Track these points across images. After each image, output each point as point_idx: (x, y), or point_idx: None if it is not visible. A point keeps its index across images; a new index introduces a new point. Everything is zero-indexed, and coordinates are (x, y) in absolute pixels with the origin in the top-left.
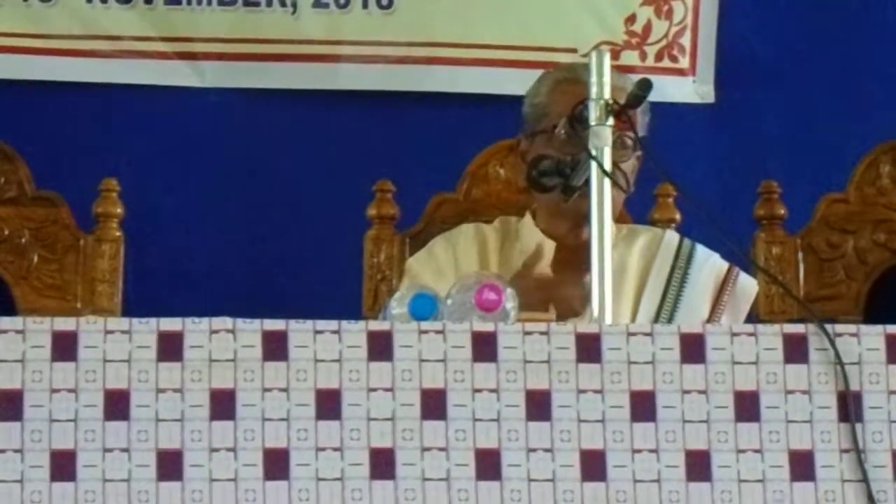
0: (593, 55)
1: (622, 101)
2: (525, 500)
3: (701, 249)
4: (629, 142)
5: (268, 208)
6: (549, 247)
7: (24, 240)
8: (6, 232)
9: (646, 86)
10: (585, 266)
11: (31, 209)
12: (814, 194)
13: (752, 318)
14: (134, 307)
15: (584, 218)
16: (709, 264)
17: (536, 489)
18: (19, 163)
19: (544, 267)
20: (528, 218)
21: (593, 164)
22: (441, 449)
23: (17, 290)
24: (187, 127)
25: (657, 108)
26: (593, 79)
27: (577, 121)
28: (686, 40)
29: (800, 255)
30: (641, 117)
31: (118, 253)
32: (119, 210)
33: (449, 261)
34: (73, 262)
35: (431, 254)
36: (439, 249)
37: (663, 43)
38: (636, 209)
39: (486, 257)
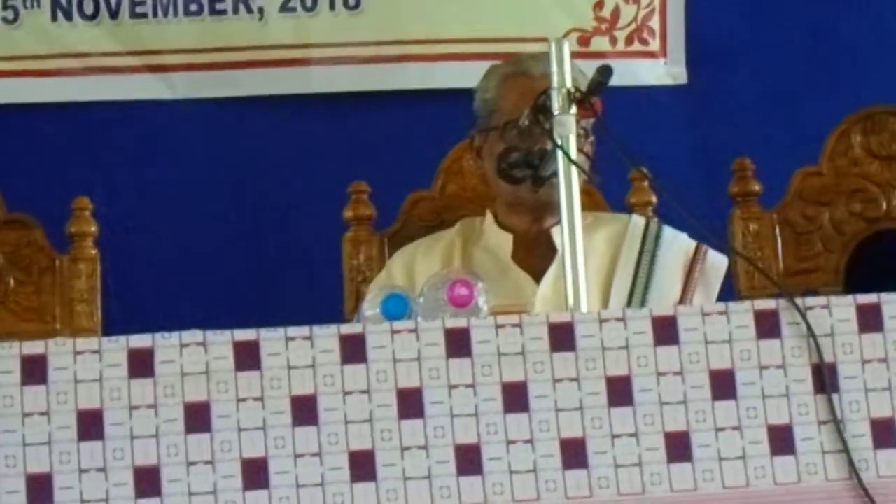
0: (553, 44)
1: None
2: (508, 493)
3: (668, 230)
4: (581, 129)
5: (245, 216)
6: (508, 240)
7: None
8: None
9: (606, 72)
10: (545, 256)
11: (3, 233)
12: (788, 169)
13: (734, 294)
14: (115, 325)
15: (546, 208)
16: (676, 244)
17: (518, 480)
18: None
19: (503, 260)
20: (488, 215)
21: (559, 154)
22: (421, 447)
23: None
24: (160, 140)
25: (629, 91)
26: (554, 67)
27: (540, 111)
28: (655, 23)
29: (777, 229)
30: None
31: (95, 272)
32: (93, 228)
33: (405, 279)
34: (50, 284)
35: (389, 272)
36: (395, 268)
37: (633, 27)
38: (613, 193)
39: (451, 261)
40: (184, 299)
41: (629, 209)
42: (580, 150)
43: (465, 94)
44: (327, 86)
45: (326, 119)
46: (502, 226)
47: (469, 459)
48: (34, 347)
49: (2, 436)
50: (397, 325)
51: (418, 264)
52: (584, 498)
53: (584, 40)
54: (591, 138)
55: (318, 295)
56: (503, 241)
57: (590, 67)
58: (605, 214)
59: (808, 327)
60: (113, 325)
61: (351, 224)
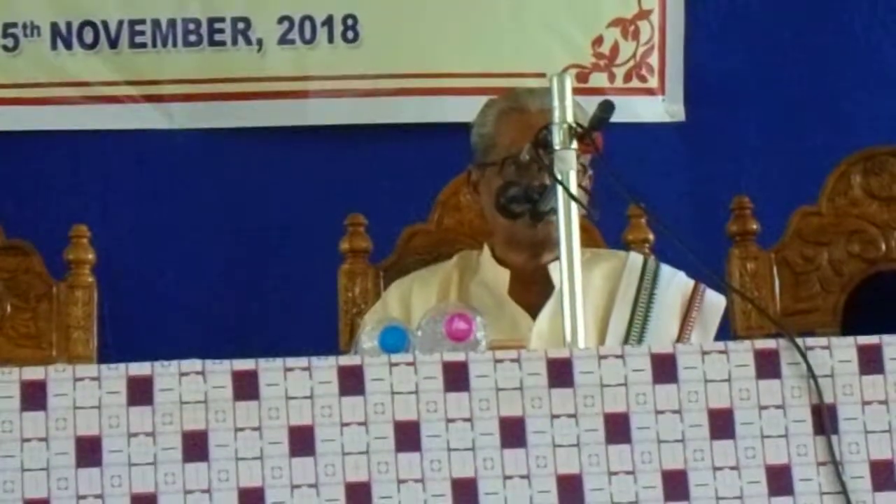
0: (554, 79)
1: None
2: None
3: (665, 269)
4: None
5: (241, 247)
6: (505, 275)
7: None
8: None
9: (607, 107)
10: (542, 291)
11: (2, 259)
12: (787, 208)
13: (730, 334)
14: (111, 352)
15: (544, 244)
16: (674, 283)
17: None
18: None
19: (499, 295)
20: (486, 249)
21: (559, 189)
22: (417, 480)
23: None
24: (157, 170)
25: (627, 128)
26: (555, 103)
27: (540, 146)
28: (654, 60)
29: (775, 269)
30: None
31: (91, 299)
32: (91, 256)
33: (401, 311)
34: (47, 310)
35: (384, 304)
36: (391, 299)
37: (631, 63)
38: (610, 230)
39: (447, 294)
40: (179, 329)
41: (626, 246)
42: (579, 185)
43: (462, 129)
44: (325, 118)
45: (324, 151)
46: (499, 261)
47: (465, 494)
48: (34, 373)
49: (0, 461)
50: (396, 357)
51: (415, 296)
52: None
53: (582, 76)
54: (590, 173)
55: (313, 326)
56: (500, 276)
57: (588, 103)
58: (602, 251)
59: (809, 368)
60: (108, 353)
61: (347, 256)
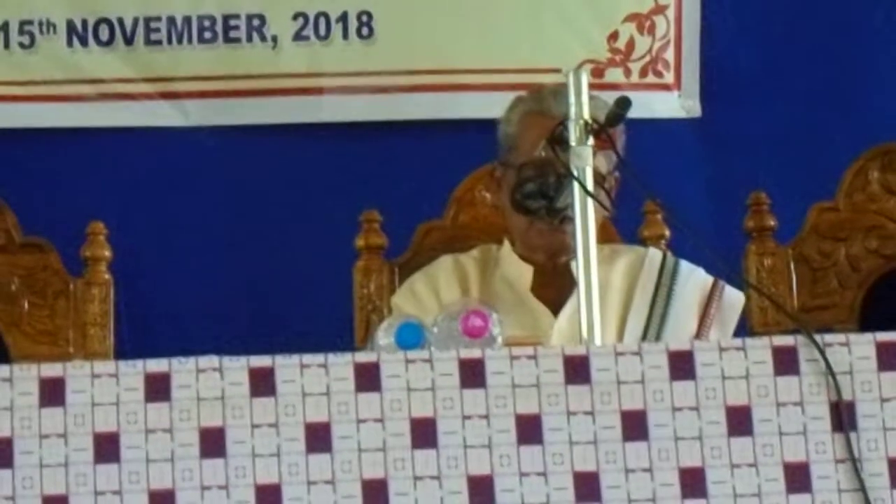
0: (571, 75)
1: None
2: None
3: (685, 265)
4: (604, 168)
5: (256, 244)
6: (528, 271)
7: (13, 287)
8: None
9: (624, 103)
10: (564, 288)
11: (19, 256)
12: (804, 204)
13: (746, 331)
14: (127, 349)
15: (562, 248)
16: (693, 279)
17: None
18: (6, 210)
19: (521, 292)
20: (506, 245)
21: (576, 185)
22: (433, 477)
23: (9, 337)
24: (172, 166)
25: (643, 124)
26: (572, 99)
27: (557, 142)
28: (670, 55)
29: (792, 265)
30: (619, 136)
31: (108, 296)
32: (107, 253)
33: (430, 296)
34: (64, 307)
35: (413, 291)
36: (420, 286)
37: (647, 59)
38: (625, 226)
39: (468, 288)
40: (194, 325)
41: (642, 242)
42: (601, 185)
43: (477, 124)
44: (339, 115)
45: (338, 148)
46: (521, 256)
47: (482, 491)
48: (52, 370)
49: (19, 457)
50: (412, 354)
51: (440, 279)
52: None
53: (598, 72)
54: (616, 174)
55: (328, 323)
56: (523, 273)
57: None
58: (621, 246)
59: (827, 364)
60: (124, 350)
61: (362, 253)
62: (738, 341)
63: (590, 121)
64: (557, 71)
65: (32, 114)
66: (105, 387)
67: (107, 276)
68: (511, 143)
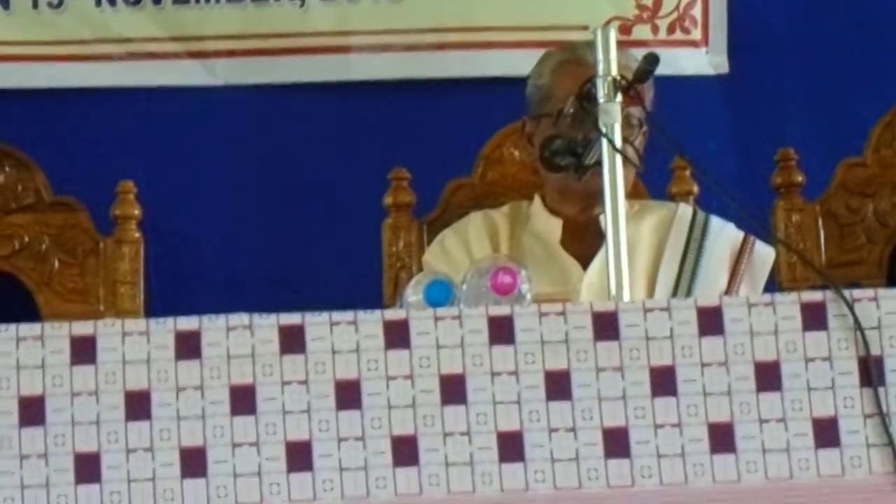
0: (599, 32)
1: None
2: (549, 480)
3: (715, 220)
4: (635, 119)
5: (285, 202)
6: (557, 225)
7: (44, 246)
8: (26, 239)
9: (652, 60)
10: (593, 242)
11: (49, 215)
12: (831, 160)
13: (775, 286)
14: (157, 307)
15: (595, 196)
16: (724, 234)
17: (560, 468)
18: (35, 170)
19: (551, 246)
20: (537, 200)
21: (604, 142)
22: (463, 433)
23: (40, 296)
24: (201, 125)
25: (670, 81)
26: (600, 56)
27: (586, 99)
28: (697, 12)
29: (820, 221)
30: (647, 92)
31: (138, 254)
32: (137, 211)
33: (461, 252)
34: (94, 266)
35: (443, 247)
36: (450, 242)
37: (674, 15)
38: (653, 183)
39: (498, 243)
40: (223, 283)
41: (670, 198)
42: (630, 141)
43: (505, 82)
44: (367, 73)
45: (366, 106)
46: (552, 211)
47: (511, 447)
48: (84, 328)
49: (51, 414)
50: (441, 311)
51: (471, 235)
52: (626, 487)
53: (625, 28)
54: (644, 129)
55: (357, 280)
56: (552, 227)
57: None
58: (652, 202)
59: (856, 320)
60: (154, 308)
61: (391, 211)
62: (766, 297)
63: (618, 77)
64: (585, 28)
65: (61, 73)
66: (136, 345)
67: (136, 235)
68: (545, 94)
